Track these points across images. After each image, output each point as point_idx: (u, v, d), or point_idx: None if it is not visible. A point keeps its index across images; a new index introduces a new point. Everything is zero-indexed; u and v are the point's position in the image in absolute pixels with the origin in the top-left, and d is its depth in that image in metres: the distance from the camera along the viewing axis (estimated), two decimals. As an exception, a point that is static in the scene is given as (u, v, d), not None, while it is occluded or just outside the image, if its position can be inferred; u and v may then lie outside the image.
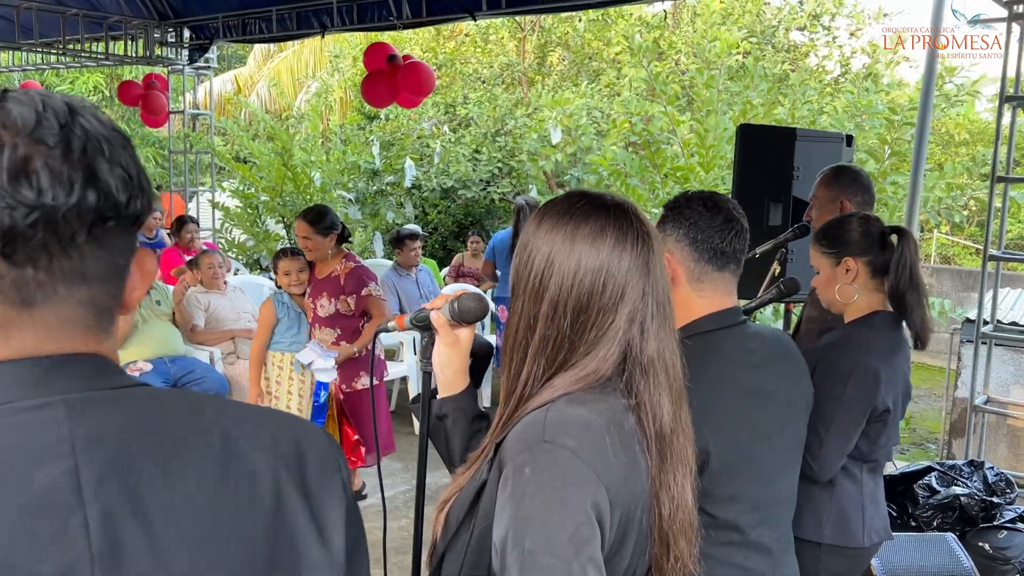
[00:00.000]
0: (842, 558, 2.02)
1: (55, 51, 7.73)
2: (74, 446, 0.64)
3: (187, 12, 7.31)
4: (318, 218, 3.91)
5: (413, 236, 6.02)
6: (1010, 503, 3.52)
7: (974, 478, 3.59)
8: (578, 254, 1.08)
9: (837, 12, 12.35)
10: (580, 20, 11.87)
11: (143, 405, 0.70)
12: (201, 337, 5.15)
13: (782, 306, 3.93)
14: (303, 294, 4.09)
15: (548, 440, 1.01)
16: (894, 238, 2.07)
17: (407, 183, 9.81)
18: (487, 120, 10.60)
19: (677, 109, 6.70)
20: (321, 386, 3.88)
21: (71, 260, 0.66)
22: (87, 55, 7.55)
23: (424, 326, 1.36)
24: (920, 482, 3.52)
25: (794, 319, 3.33)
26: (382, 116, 10.88)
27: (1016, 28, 4.23)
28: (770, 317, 5.52)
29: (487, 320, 6.66)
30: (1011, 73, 4.24)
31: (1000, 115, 4.43)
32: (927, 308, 2.06)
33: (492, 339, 6.04)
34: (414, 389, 5.08)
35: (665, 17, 12.46)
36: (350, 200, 9.58)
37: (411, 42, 12.38)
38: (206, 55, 7.77)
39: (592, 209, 1.10)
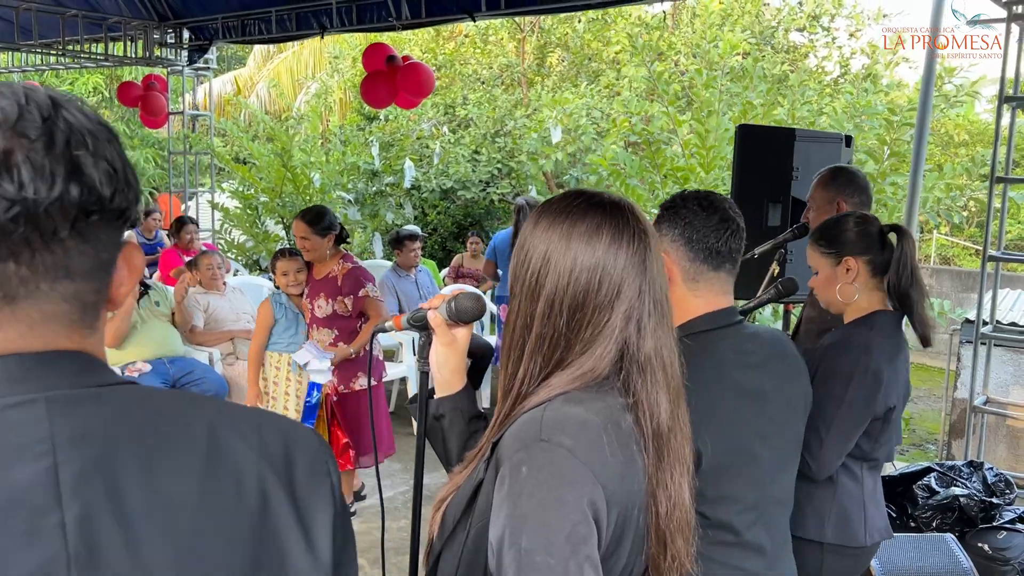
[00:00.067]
0: (844, 557, 2.02)
1: (54, 52, 7.74)
2: (54, 444, 0.63)
3: (186, 13, 7.31)
4: (316, 218, 3.91)
5: (412, 237, 6.02)
6: (1009, 504, 3.52)
7: (973, 479, 3.59)
8: (574, 252, 1.08)
9: (836, 13, 12.36)
10: (579, 21, 11.88)
11: (129, 403, 0.69)
12: (200, 338, 5.15)
13: (781, 307, 3.93)
14: (301, 295, 4.09)
15: (545, 439, 1.00)
16: (893, 236, 2.07)
17: (406, 184, 9.81)
18: (486, 121, 10.60)
19: (677, 110, 6.70)
20: (314, 386, 3.87)
21: (54, 255, 0.65)
22: (86, 56, 7.56)
23: (421, 326, 1.36)
24: (919, 483, 3.52)
25: (793, 320, 3.33)
26: (382, 117, 10.89)
27: (1015, 28, 4.23)
28: (769, 318, 5.53)
29: (487, 320, 6.66)
30: (1010, 74, 4.24)
31: (999, 115, 4.43)
32: (928, 306, 2.06)
33: (492, 339, 6.04)
34: (413, 390, 5.08)
35: (664, 18, 12.46)
36: (349, 201, 9.58)
37: (410, 43, 12.38)
38: (205, 56, 7.78)
39: (588, 207, 1.10)
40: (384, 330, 1.48)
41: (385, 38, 7.01)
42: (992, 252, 4.38)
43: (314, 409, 3.89)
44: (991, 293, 4.81)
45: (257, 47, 15.51)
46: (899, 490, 3.52)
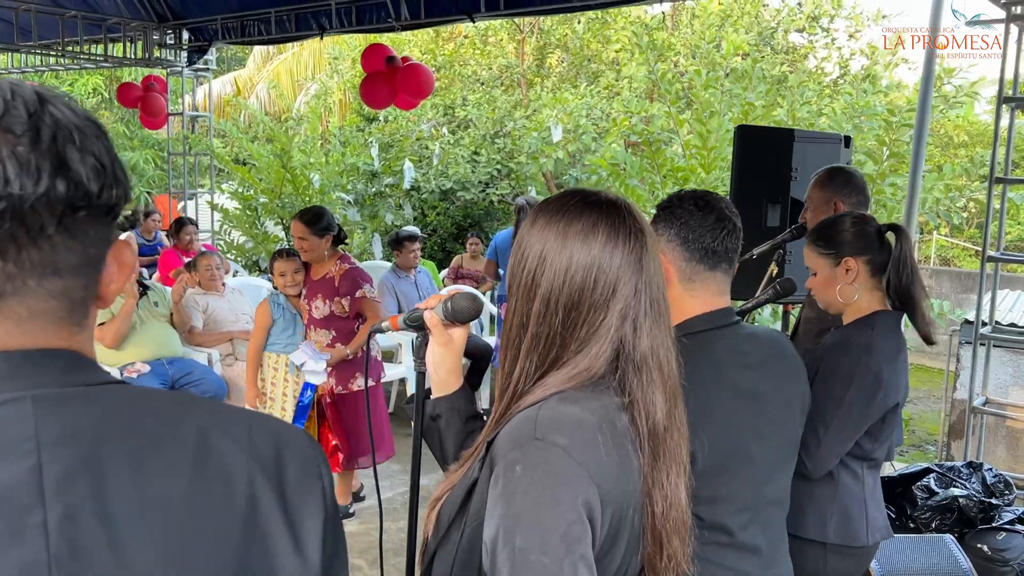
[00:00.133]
0: (847, 558, 2.01)
1: (54, 53, 7.73)
2: (39, 443, 0.62)
3: (186, 14, 7.31)
4: (314, 219, 3.90)
5: (412, 238, 6.02)
6: (1008, 504, 3.52)
7: (973, 479, 3.59)
8: (569, 251, 1.08)
9: (836, 14, 12.36)
10: (579, 22, 11.88)
11: (118, 403, 0.68)
12: (199, 339, 5.14)
13: (781, 307, 3.93)
14: (299, 295, 4.08)
15: (539, 438, 1.00)
16: (890, 236, 2.07)
17: (406, 185, 9.81)
18: (486, 122, 10.61)
19: (677, 110, 6.71)
20: (308, 387, 3.86)
21: (41, 251, 0.65)
22: (86, 57, 7.56)
23: (417, 326, 1.36)
24: (919, 484, 3.51)
25: (792, 320, 3.32)
26: (381, 118, 10.89)
27: (1014, 29, 4.23)
28: (769, 318, 5.52)
29: (487, 321, 6.66)
30: (1009, 75, 4.24)
31: (998, 116, 4.43)
32: (928, 306, 2.05)
33: (492, 340, 6.04)
34: (413, 390, 5.07)
35: (664, 19, 12.46)
36: (349, 202, 9.58)
37: (410, 44, 12.39)
38: (205, 57, 7.77)
39: (584, 206, 1.10)
40: (381, 330, 1.48)
41: (384, 39, 7.01)
42: (991, 253, 4.38)
43: (306, 409, 3.88)
44: (990, 294, 4.81)
45: (257, 48, 15.53)
46: (898, 491, 3.52)
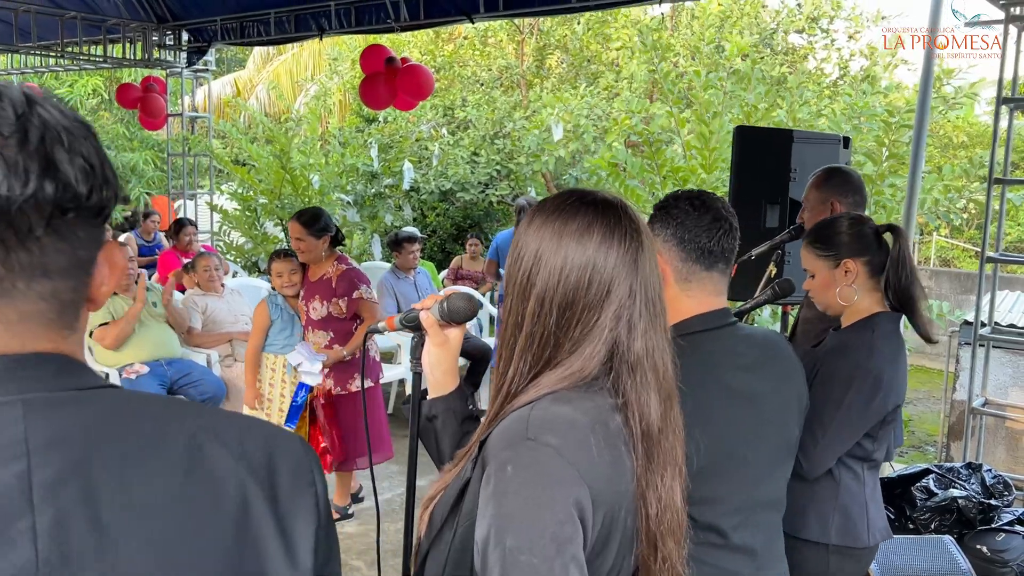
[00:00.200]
0: (849, 559, 2.01)
1: (53, 54, 7.73)
2: (29, 448, 0.62)
3: (185, 15, 7.31)
4: (312, 220, 3.90)
5: (411, 239, 6.01)
6: (1008, 505, 3.51)
7: (972, 480, 3.58)
8: (564, 250, 1.07)
9: (835, 15, 12.37)
10: (578, 23, 11.88)
11: (109, 408, 0.68)
12: (198, 340, 5.14)
13: (779, 308, 3.92)
14: (297, 296, 4.08)
15: (531, 438, 1.00)
16: (888, 236, 2.07)
17: (405, 186, 9.81)
18: (485, 123, 10.61)
19: (677, 110, 6.71)
20: (303, 387, 3.85)
21: (30, 253, 0.64)
22: (85, 58, 7.56)
23: (414, 326, 1.35)
24: (918, 484, 3.51)
25: (791, 321, 3.32)
26: (380, 119, 10.89)
27: (1013, 30, 4.23)
28: (768, 319, 5.52)
29: (486, 322, 6.66)
30: (1008, 75, 4.24)
31: (997, 117, 4.42)
32: (926, 306, 2.05)
33: (491, 341, 6.03)
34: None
35: (663, 20, 12.47)
36: (348, 203, 9.58)
37: (409, 45, 12.39)
38: (204, 58, 7.78)
39: (580, 206, 1.10)
40: (378, 331, 1.48)
41: (384, 40, 7.02)
42: (991, 254, 4.37)
43: (299, 409, 3.87)
44: (990, 295, 4.80)
45: (256, 49, 15.52)
46: (898, 492, 3.51)
